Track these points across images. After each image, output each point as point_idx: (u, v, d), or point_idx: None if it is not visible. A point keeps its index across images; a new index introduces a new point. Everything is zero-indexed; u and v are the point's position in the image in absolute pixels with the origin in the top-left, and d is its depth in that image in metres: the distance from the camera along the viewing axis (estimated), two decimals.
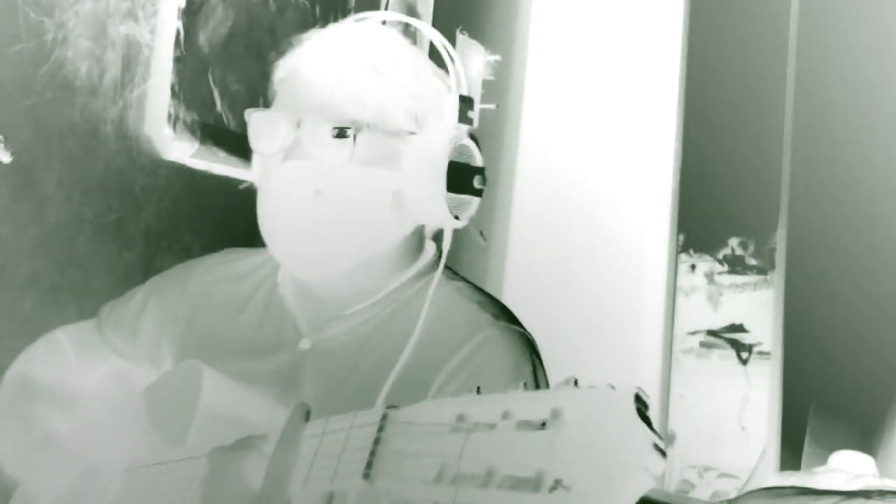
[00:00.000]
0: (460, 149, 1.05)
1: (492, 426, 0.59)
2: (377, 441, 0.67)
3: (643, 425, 0.54)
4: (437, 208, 1.04)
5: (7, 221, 1.53)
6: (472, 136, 1.08)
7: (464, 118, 1.07)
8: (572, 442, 0.55)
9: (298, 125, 1.04)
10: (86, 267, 1.63)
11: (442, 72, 1.11)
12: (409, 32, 1.17)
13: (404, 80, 1.07)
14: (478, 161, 1.07)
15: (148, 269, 1.68)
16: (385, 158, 1.04)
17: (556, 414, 0.56)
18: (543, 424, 0.57)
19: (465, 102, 1.07)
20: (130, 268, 1.69)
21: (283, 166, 1.04)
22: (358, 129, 1.03)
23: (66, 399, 1.19)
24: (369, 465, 0.66)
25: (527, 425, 0.57)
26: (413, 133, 1.05)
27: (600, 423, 0.55)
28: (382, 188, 1.05)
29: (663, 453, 0.53)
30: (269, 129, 1.06)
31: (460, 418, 0.62)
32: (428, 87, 1.09)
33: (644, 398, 0.55)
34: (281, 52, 1.11)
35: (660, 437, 0.54)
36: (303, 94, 1.06)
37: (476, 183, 1.06)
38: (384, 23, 1.17)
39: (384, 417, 0.68)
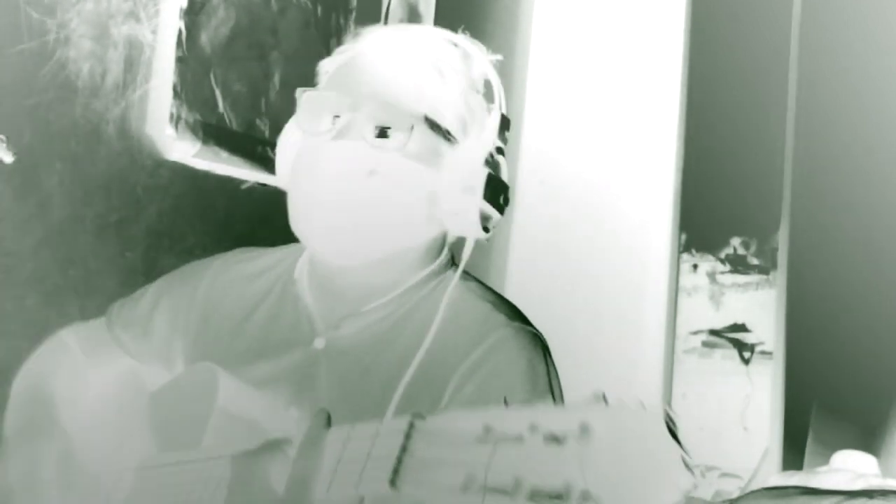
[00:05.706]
0: (494, 164, 1.07)
1: (519, 438, 0.60)
2: (404, 449, 0.68)
3: (674, 442, 0.55)
4: (467, 217, 1.06)
5: (9, 221, 1.53)
6: (502, 153, 1.10)
7: (502, 137, 1.09)
8: (602, 456, 0.56)
9: (356, 108, 1.04)
10: (88, 267, 1.63)
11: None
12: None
13: (461, 85, 1.09)
14: (505, 178, 1.09)
15: (150, 269, 1.68)
16: (430, 157, 1.05)
17: (584, 429, 0.57)
18: (572, 438, 0.57)
19: (505, 122, 1.10)
20: (132, 268, 1.69)
21: (336, 144, 1.04)
22: (415, 122, 1.03)
23: (81, 409, 1.18)
24: (396, 471, 0.67)
25: (554, 438, 0.58)
26: (457, 140, 1.07)
27: (630, 439, 0.56)
28: (423, 185, 1.06)
29: (692, 470, 0.54)
30: (323, 108, 1.06)
31: (487, 429, 0.62)
32: (477, 99, 1.11)
33: (672, 417, 0.56)
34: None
35: (689, 454, 0.55)
36: (365, 78, 1.07)
37: (502, 200, 1.07)
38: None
39: (411, 426, 0.68)
